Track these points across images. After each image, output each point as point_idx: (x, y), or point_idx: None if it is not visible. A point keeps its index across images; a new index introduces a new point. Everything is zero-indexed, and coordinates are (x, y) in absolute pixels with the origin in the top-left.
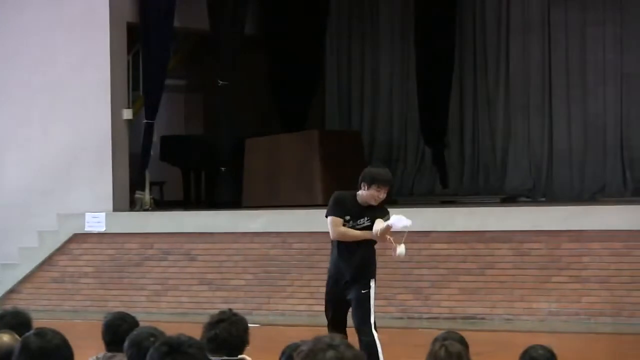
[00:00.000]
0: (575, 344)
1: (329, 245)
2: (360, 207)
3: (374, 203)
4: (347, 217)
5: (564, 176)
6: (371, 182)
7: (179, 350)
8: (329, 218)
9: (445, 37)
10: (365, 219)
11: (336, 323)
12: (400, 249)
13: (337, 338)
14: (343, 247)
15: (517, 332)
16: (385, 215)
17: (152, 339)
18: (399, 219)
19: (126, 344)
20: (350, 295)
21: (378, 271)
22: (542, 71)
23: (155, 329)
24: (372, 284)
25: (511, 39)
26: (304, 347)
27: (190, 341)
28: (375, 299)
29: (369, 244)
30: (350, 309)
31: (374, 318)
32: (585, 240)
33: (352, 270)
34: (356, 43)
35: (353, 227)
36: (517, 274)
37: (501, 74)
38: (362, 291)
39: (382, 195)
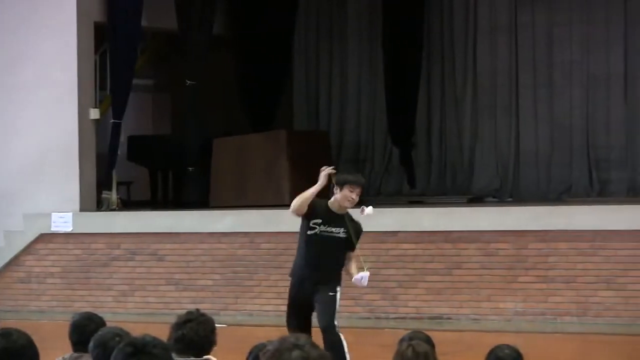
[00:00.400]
0: (542, 344)
1: (295, 245)
2: (334, 214)
3: (348, 205)
4: (319, 221)
5: (531, 176)
6: (344, 183)
7: (144, 351)
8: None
9: (413, 38)
10: (342, 230)
11: (302, 329)
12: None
13: (302, 338)
14: (313, 253)
15: (483, 332)
16: (360, 232)
17: (117, 339)
18: (360, 279)
19: (91, 344)
20: (317, 298)
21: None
22: (509, 72)
23: (120, 329)
24: (339, 289)
25: (478, 39)
26: (270, 347)
27: (155, 341)
28: (339, 304)
29: (339, 250)
30: (315, 312)
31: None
32: (551, 240)
33: (320, 274)
34: (324, 43)
35: (322, 233)
36: (484, 274)
37: (468, 74)
38: (330, 293)
39: (355, 196)
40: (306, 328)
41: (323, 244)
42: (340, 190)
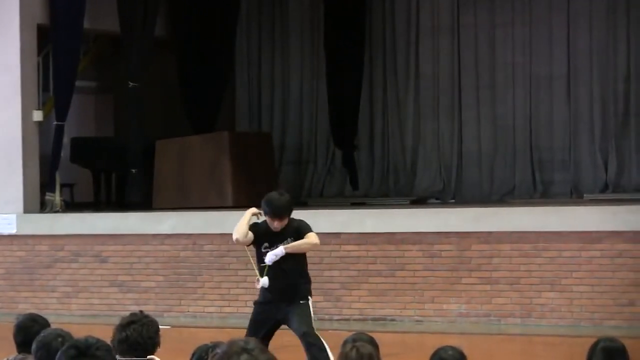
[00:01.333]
0: (485, 345)
1: (239, 247)
2: (275, 233)
3: (276, 230)
4: (266, 244)
5: (474, 178)
6: (265, 212)
7: (87, 354)
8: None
9: (355, 39)
10: (289, 239)
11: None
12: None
13: (251, 342)
14: (271, 276)
15: (427, 333)
16: (304, 231)
17: (59, 339)
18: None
19: (34, 346)
20: (288, 311)
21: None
22: (452, 73)
23: (62, 330)
24: (310, 297)
25: (421, 40)
26: (219, 350)
27: (98, 343)
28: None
29: (297, 261)
30: (290, 324)
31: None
32: (494, 241)
33: (284, 296)
34: (266, 45)
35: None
36: (428, 276)
37: (411, 75)
38: (301, 301)
39: (277, 224)
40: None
41: (276, 266)
42: (266, 217)
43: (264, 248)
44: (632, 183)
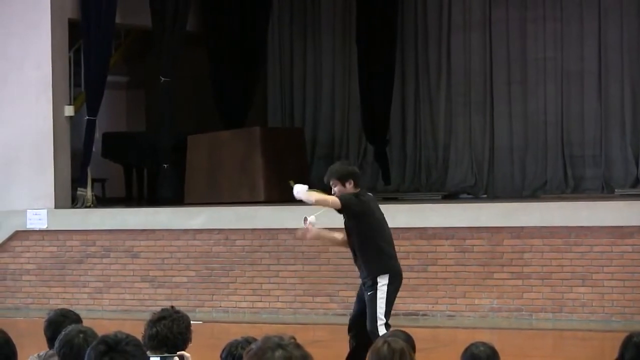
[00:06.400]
0: (517, 340)
1: (271, 242)
2: None
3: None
4: None
5: (505, 173)
6: None
7: (117, 349)
8: None
9: (386, 35)
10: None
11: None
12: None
13: (286, 338)
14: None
15: (459, 328)
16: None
17: (81, 335)
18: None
19: (57, 344)
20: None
21: (321, 268)
22: (484, 68)
23: (83, 326)
24: (382, 280)
25: (452, 36)
26: (253, 346)
27: (127, 339)
28: (386, 298)
29: (358, 236)
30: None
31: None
32: (526, 236)
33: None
34: (298, 40)
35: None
36: (459, 271)
37: (442, 71)
38: (368, 293)
39: (333, 190)
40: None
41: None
42: None
43: None
44: None
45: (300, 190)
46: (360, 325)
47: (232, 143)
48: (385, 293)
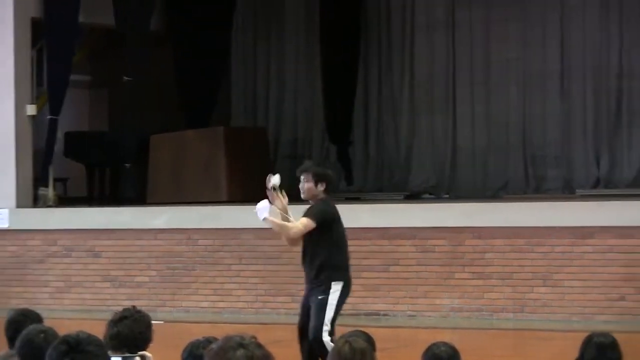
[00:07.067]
0: (478, 340)
1: (233, 242)
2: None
3: (303, 194)
4: None
5: (467, 173)
6: None
7: (78, 349)
8: None
9: (350, 34)
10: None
11: (302, 330)
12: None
13: (247, 337)
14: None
15: (420, 328)
16: (306, 214)
17: (42, 335)
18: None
19: (17, 345)
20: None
21: (283, 267)
22: (447, 69)
23: (44, 325)
24: (336, 287)
25: (415, 37)
26: (215, 346)
27: (89, 339)
28: (336, 305)
29: (320, 241)
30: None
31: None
32: (488, 236)
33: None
34: (262, 40)
35: None
36: (421, 271)
37: (405, 72)
38: (319, 297)
39: (302, 185)
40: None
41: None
42: None
43: None
44: (624, 179)
45: (261, 208)
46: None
47: (196, 143)
48: (337, 300)
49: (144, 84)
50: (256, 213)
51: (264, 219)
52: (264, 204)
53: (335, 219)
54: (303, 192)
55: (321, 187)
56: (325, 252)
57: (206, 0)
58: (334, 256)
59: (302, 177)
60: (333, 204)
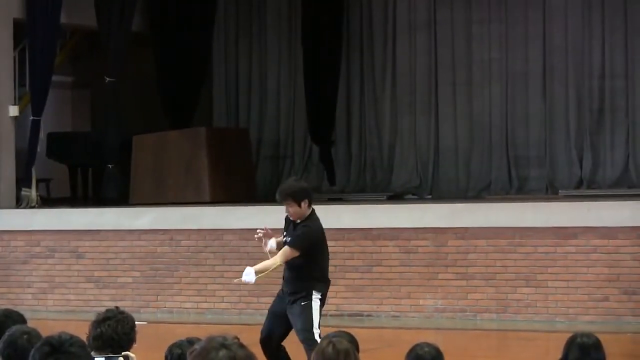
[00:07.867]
0: (461, 341)
1: (216, 243)
2: (289, 223)
3: (291, 218)
4: (285, 233)
5: (450, 174)
6: None
7: (61, 350)
8: None
9: (332, 35)
10: (289, 238)
11: (269, 337)
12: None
13: (229, 338)
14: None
15: (403, 328)
16: (293, 238)
17: (25, 336)
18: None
19: (1, 346)
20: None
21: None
22: (429, 69)
23: (27, 327)
24: (316, 294)
25: (397, 37)
26: (197, 346)
27: (72, 340)
28: (319, 310)
29: (307, 259)
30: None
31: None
32: (470, 237)
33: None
34: (243, 40)
35: (285, 243)
36: (404, 271)
37: (387, 72)
38: (302, 303)
39: (288, 210)
40: (274, 338)
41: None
42: None
43: (283, 237)
44: (607, 179)
45: (248, 274)
46: (276, 343)
47: (178, 143)
48: (318, 305)
49: (126, 85)
50: (246, 282)
51: (255, 280)
52: (247, 270)
53: (319, 241)
54: (291, 216)
55: (305, 205)
56: (308, 269)
57: (188, 1)
58: (317, 273)
59: (285, 205)
60: (318, 223)
